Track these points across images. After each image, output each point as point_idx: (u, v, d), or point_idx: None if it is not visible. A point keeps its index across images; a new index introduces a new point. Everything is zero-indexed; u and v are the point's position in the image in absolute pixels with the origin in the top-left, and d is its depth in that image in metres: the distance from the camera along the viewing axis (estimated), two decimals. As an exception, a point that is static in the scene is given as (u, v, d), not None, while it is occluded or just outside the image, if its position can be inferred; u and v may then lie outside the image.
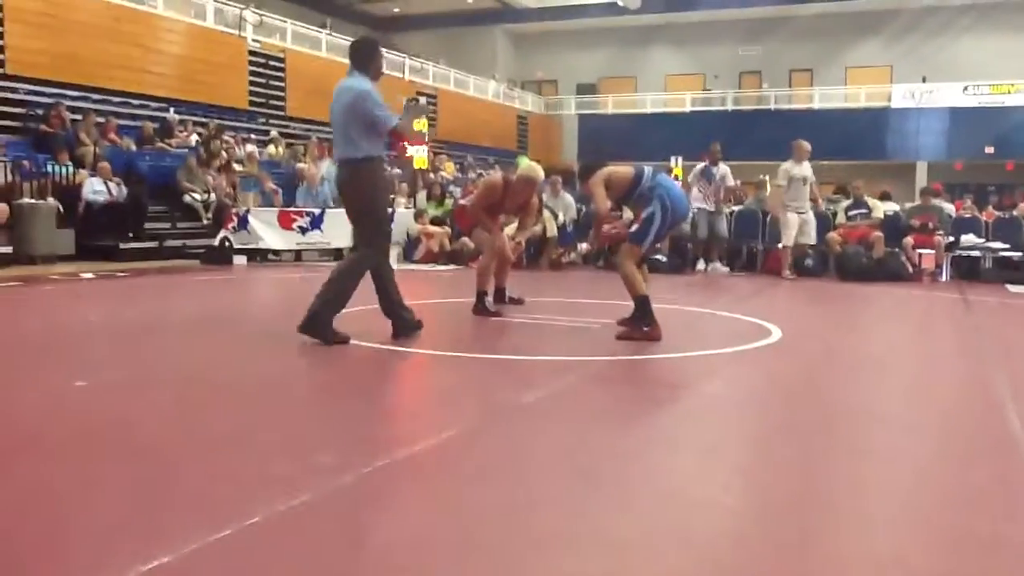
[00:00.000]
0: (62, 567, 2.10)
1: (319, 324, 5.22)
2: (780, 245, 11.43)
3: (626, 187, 5.93)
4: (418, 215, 13.48)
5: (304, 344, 5.28)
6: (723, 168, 12.18)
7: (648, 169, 6.03)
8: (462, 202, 10.74)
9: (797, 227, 11.17)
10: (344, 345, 5.20)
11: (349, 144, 5.30)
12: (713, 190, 12.04)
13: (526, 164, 7.31)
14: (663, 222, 5.78)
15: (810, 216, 11.35)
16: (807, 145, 11.31)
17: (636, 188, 5.88)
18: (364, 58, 5.39)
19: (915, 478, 3.02)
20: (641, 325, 5.69)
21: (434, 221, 13.41)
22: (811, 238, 11.39)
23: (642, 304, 5.70)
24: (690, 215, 5.98)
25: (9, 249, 10.67)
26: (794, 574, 2.17)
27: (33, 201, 11.21)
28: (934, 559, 2.31)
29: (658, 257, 11.89)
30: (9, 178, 11.57)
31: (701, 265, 12.13)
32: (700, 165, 12.34)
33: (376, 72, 5.42)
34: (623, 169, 6.08)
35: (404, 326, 5.56)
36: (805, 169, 11.21)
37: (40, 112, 13.82)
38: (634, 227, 5.89)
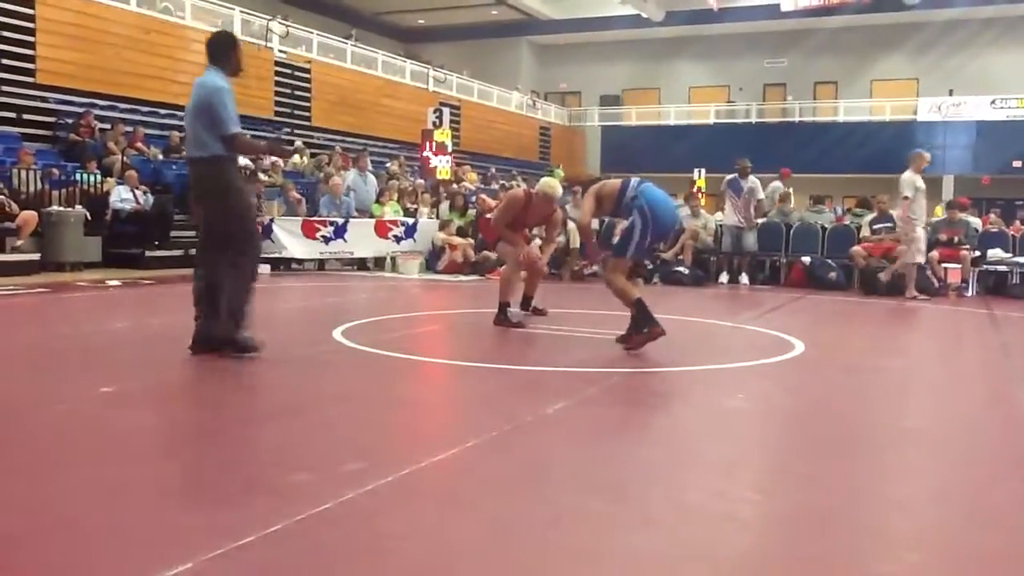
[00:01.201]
0: (83, 570, 2.12)
1: (234, 343, 5.00)
2: (902, 261, 10.58)
3: (615, 199, 5.95)
4: (444, 225, 13.53)
5: (329, 352, 5.30)
6: (752, 181, 12.02)
7: (634, 180, 6.02)
8: (488, 215, 10.75)
9: (925, 243, 10.55)
10: (257, 353, 5.01)
11: (196, 142, 5.04)
12: (743, 203, 11.93)
13: (544, 181, 7.32)
14: (643, 234, 5.76)
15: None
16: (928, 155, 10.66)
17: (623, 199, 5.90)
18: (220, 53, 5.17)
19: (936, 495, 2.99)
20: (641, 329, 5.66)
21: (458, 232, 13.45)
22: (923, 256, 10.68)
23: (638, 308, 5.67)
24: (677, 225, 5.88)
25: (37, 256, 10.81)
26: (815, 591, 2.15)
27: (62, 209, 11.34)
28: (958, 578, 2.29)
29: (680, 269, 11.88)
30: (39, 186, 11.73)
31: (724, 278, 12.09)
32: (728, 177, 12.25)
33: (234, 68, 5.19)
34: (612, 182, 6.13)
35: (218, 339, 5.05)
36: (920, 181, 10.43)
37: (69, 121, 14.01)
38: (616, 239, 5.91)
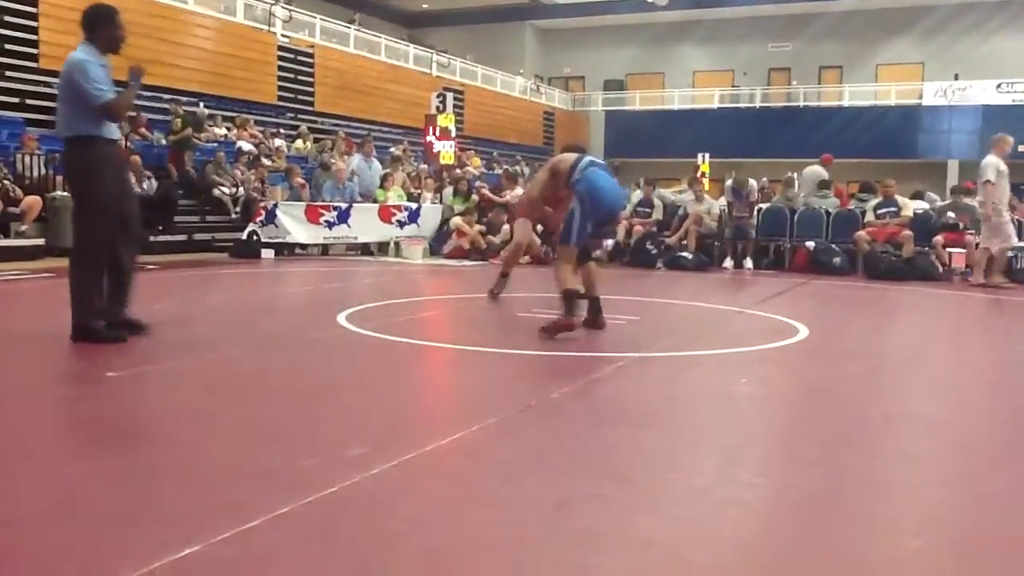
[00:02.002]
0: (90, 555, 2.14)
1: (86, 330, 4.82)
2: (983, 248, 10.22)
3: (565, 175, 5.79)
4: (465, 212, 13.49)
5: (333, 337, 5.31)
6: (750, 184, 12.38)
7: (585, 159, 5.81)
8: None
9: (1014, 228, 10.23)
10: (124, 343, 4.86)
11: (63, 120, 4.84)
12: (745, 205, 12.21)
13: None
14: (583, 220, 5.58)
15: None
16: (1011, 139, 10.33)
17: (570, 178, 5.73)
18: (92, 26, 4.93)
19: (940, 480, 3.00)
20: (559, 317, 5.52)
21: (466, 211, 13.47)
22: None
23: (565, 297, 5.51)
24: (623, 211, 5.62)
25: (42, 241, 10.82)
26: (817, 574, 2.16)
27: (65, 194, 11.34)
28: (956, 562, 2.29)
29: (684, 255, 11.87)
30: (42, 171, 11.74)
31: (728, 263, 12.09)
32: (729, 183, 12.54)
33: (107, 42, 4.94)
34: (568, 156, 5.94)
35: (90, 330, 4.87)
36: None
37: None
38: (562, 226, 5.76)
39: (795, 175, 14.27)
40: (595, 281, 5.93)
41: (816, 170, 14.09)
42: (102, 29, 4.94)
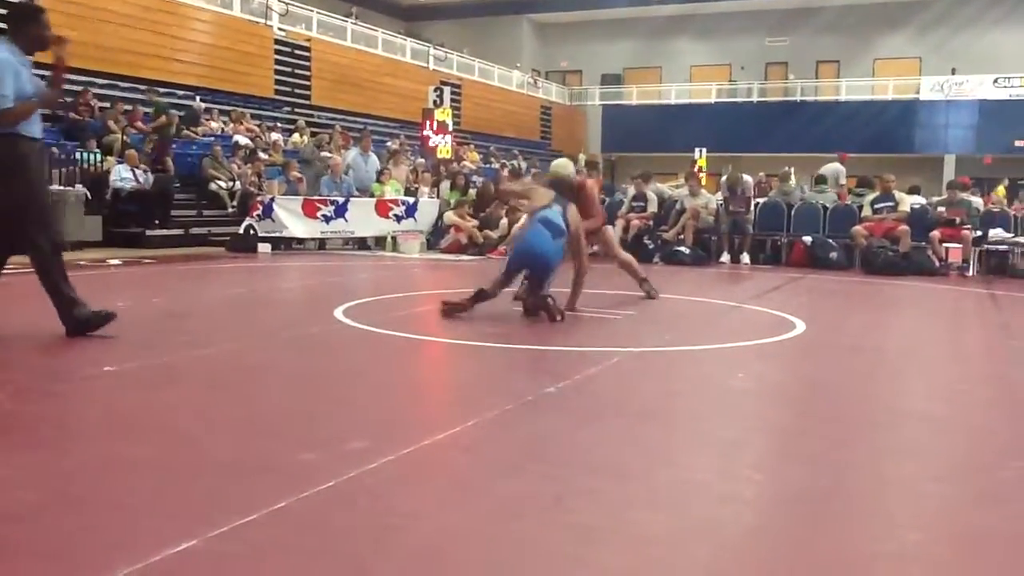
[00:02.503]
0: (88, 548, 2.14)
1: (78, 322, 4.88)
2: None
3: (531, 211, 6.38)
4: (458, 205, 13.51)
5: (331, 332, 5.31)
6: (744, 181, 12.53)
7: (544, 213, 6.18)
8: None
9: None
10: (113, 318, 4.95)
11: None
12: (741, 200, 12.29)
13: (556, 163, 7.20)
14: (511, 262, 6.30)
15: None
16: None
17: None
18: (12, 24, 4.76)
19: (937, 475, 3.01)
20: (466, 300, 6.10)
21: (459, 205, 13.47)
22: None
23: (478, 292, 6.09)
24: (546, 262, 6.13)
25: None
26: (817, 568, 2.17)
27: (62, 188, 11.32)
28: (956, 556, 2.30)
29: (681, 249, 11.88)
30: (38, 165, 11.69)
31: (725, 258, 12.11)
32: (724, 180, 12.63)
33: (30, 42, 4.75)
34: (545, 194, 6.38)
35: (81, 322, 4.91)
36: None
37: (69, 100, 13.95)
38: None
39: (791, 169, 14.31)
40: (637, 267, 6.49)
41: (837, 167, 14.37)
42: (24, 29, 4.74)
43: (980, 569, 2.21)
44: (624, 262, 7.59)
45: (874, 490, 2.79)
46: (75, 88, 14.16)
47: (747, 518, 2.51)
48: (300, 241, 12.80)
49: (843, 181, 14.02)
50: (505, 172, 15.22)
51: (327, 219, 12.74)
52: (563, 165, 6.98)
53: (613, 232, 7.98)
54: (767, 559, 2.23)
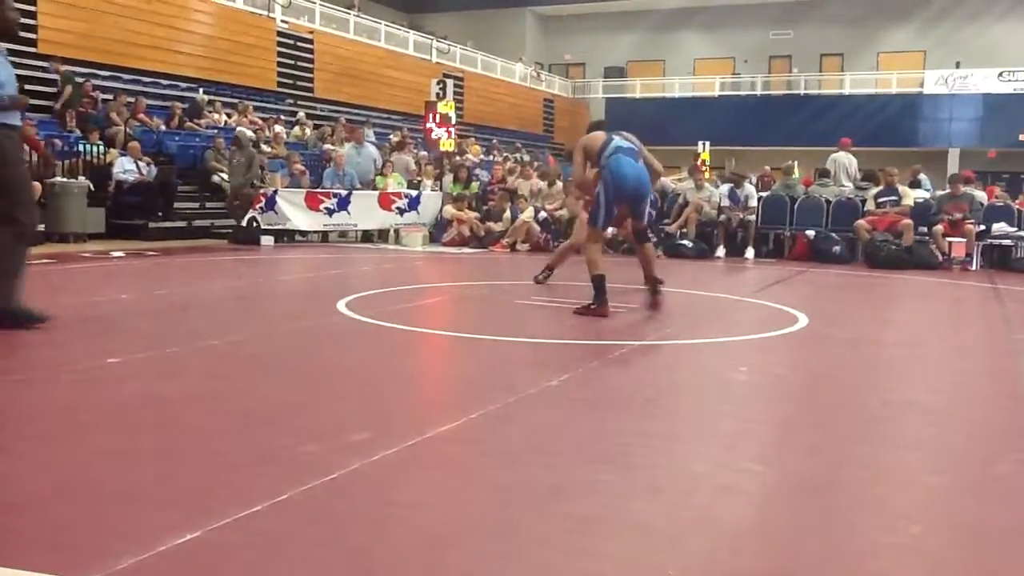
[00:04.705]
0: (91, 539, 2.15)
1: (8, 315, 4.81)
2: None
3: (596, 153, 5.99)
4: (457, 199, 13.50)
5: (334, 324, 5.31)
6: (748, 189, 12.39)
7: (612, 143, 5.96)
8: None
9: None
10: (42, 323, 4.85)
11: None
12: (741, 207, 12.22)
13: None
14: (607, 203, 5.87)
15: None
16: None
17: (600, 157, 5.94)
18: None
19: (938, 467, 3.01)
20: (591, 304, 5.85)
21: (458, 198, 13.46)
22: None
23: (596, 283, 5.84)
24: (648, 195, 6.05)
25: (41, 227, 10.80)
26: (816, 560, 2.17)
27: (65, 180, 11.33)
28: (954, 548, 2.31)
29: (684, 242, 11.87)
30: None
31: (720, 251, 12.05)
32: (726, 187, 12.54)
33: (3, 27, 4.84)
34: (597, 135, 6.13)
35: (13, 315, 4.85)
36: None
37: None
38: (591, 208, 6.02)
39: (795, 163, 14.27)
40: (652, 262, 6.20)
41: (844, 156, 13.91)
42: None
43: (980, 561, 2.21)
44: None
45: (874, 482, 2.79)
46: (78, 80, 14.17)
47: (747, 510, 2.52)
48: (303, 234, 12.81)
49: (853, 171, 13.32)
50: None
51: (330, 212, 12.74)
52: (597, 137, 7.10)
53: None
54: (767, 550, 2.23)
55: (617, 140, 6.02)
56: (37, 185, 10.78)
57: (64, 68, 14.09)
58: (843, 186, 13.03)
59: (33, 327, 4.82)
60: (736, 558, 2.18)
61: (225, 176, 13.83)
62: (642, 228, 6.28)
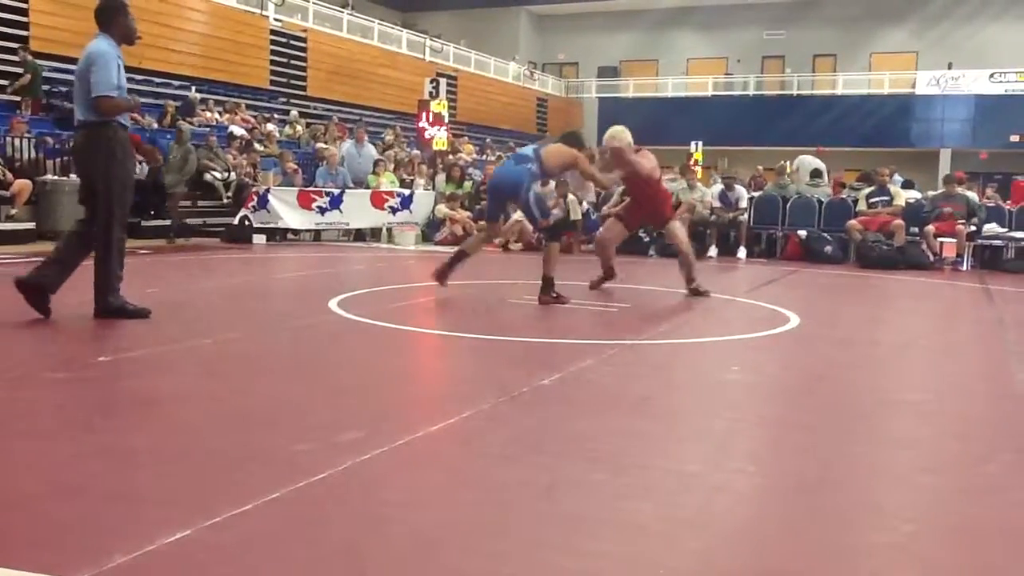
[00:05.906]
0: (84, 537, 2.14)
1: (115, 308, 5.12)
2: None
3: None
4: (450, 198, 13.50)
5: (326, 323, 5.30)
6: (738, 191, 12.40)
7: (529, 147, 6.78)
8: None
9: None
10: (145, 318, 5.15)
11: (82, 106, 5.08)
12: (732, 209, 12.28)
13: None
14: (488, 198, 7.15)
15: None
16: None
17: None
18: (105, 19, 5.15)
19: (931, 467, 3.02)
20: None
21: (451, 198, 13.45)
22: None
23: (456, 255, 6.80)
24: (512, 196, 6.76)
25: (32, 225, 10.77)
26: (809, 560, 2.18)
27: (56, 178, 11.29)
28: (947, 547, 2.31)
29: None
30: (33, 154, 11.67)
31: (713, 251, 12.07)
32: (718, 188, 12.57)
33: (122, 34, 5.18)
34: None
35: (112, 307, 5.16)
36: None
37: (64, 89, 13.89)
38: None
39: (787, 163, 14.30)
40: (549, 262, 6.57)
41: (809, 159, 14.20)
42: (116, 20, 5.17)
43: (973, 560, 2.22)
44: (683, 253, 7.50)
45: (867, 481, 2.80)
46: (70, 78, 14.03)
47: (741, 510, 2.52)
48: (295, 232, 12.79)
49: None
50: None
51: (322, 210, 12.72)
52: (621, 131, 7.26)
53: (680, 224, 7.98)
54: (760, 550, 2.23)
55: (528, 148, 6.79)
56: (27, 183, 10.77)
57: (31, 58, 13.97)
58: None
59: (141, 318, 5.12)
60: (730, 557, 2.18)
61: (217, 175, 13.78)
62: (542, 228, 6.83)
